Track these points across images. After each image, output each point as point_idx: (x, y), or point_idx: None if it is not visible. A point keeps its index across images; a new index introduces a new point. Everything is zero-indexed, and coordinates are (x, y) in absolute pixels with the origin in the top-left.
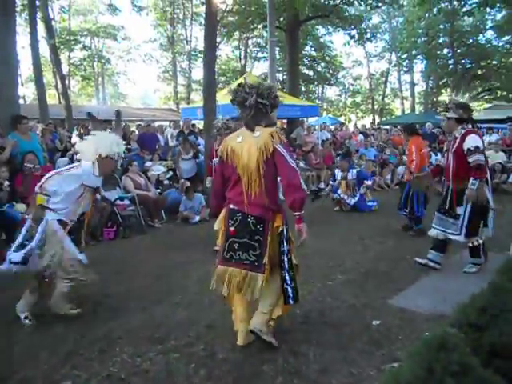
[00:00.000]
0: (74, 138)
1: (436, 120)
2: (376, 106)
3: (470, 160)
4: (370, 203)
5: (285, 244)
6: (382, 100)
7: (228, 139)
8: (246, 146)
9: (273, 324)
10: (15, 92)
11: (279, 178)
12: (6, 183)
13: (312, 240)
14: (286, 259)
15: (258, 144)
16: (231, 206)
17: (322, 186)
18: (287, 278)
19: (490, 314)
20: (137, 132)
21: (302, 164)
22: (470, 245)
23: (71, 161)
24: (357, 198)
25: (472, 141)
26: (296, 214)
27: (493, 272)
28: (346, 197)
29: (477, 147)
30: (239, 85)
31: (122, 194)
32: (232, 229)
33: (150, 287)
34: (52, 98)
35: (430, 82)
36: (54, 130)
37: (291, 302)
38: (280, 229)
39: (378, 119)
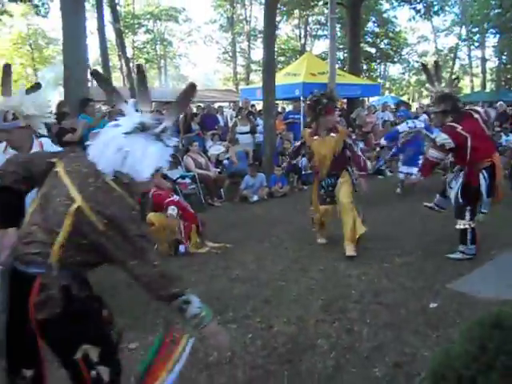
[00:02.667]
0: None
1: (509, 98)
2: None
3: None
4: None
5: None
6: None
7: None
8: None
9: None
10: (85, 75)
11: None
12: None
13: (370, 221)
14: None
15: None
16: None
17: (383, 167)
18: None
19: None
20: (198, 113)
21: (361, 145)
22: (457, 227)
23: None
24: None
25: None
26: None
27: None
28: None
29: None
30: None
31: (184, 173)
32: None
33: (208, 262)
34: (117, 80)
35: (504, 57)
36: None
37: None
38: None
39: None
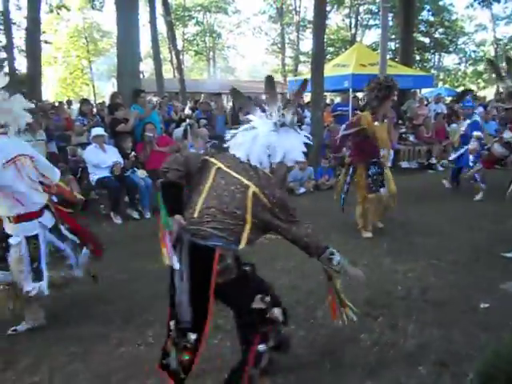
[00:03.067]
0: (187, 110)
1: None
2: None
3: None
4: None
5: None
6: None
7: None
8: None
9: None
10: (137, 67)
11: None
12: (133, 153)
13: (419, 217)
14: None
15: None
16: None
17: (434, 160)
18: None
19: None
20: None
21: (411, 138)
22: None
23: (185, 131)
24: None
25: None
26: None
27: None
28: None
29: None
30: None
31: None
32: None
33: (256, 252)
34: (167, 72)
35: None
36: (169, 102)
37: None
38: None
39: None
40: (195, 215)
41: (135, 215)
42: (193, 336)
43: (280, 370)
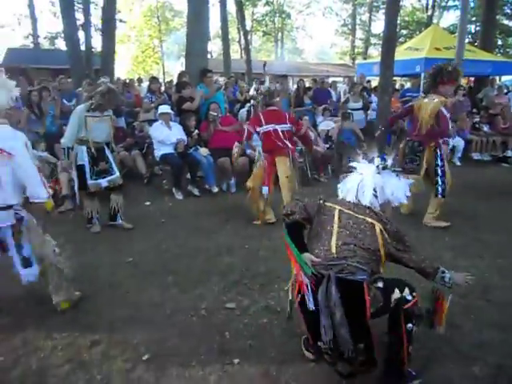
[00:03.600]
0: (252, 91)
1: None
2: None
3: None
4: None
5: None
6: None
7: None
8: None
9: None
10: (205, 47)
11: None
12: (196, 131)
13: (487, 213)
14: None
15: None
16: None
17: (509, 153)
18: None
19: None
20: (311, 87)
21: (485, 128)
22: None
23: (249, 112)
24: None
25: None
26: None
27: None
28: None
29: None
30: None
31: None
32: None
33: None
34: (235, 52)
35: None
36: (235, 82)
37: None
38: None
39: None
40: (333, 251)
41: (196, 192)
42: (361, 345)
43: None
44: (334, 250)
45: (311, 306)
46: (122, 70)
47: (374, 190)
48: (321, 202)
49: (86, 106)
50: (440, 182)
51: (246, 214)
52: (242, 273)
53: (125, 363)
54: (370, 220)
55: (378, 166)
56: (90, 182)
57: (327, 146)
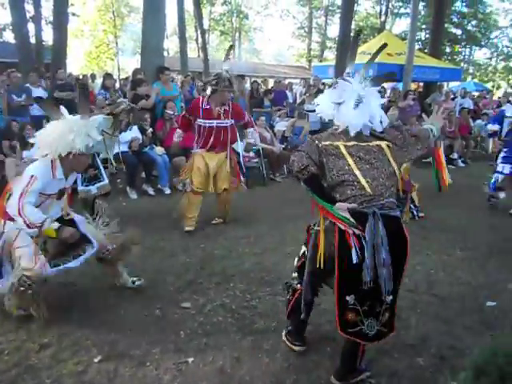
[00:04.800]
0: (209, 91)
1: None
2: None
3: None
4: None
5: None
6: None
7: None
8: None
9: None
10: (161, 44)
11: None
12: (150, 130)
13: (434, 212)
14: None
15: None
16: None
17: (455, 156)
18: None
19: None
20: (272, 90)
21: None
22: None
23: None
24: None
25: None
26: None
27: None
28: None
29: None
30: None
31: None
32: None
33: (264, 235)
34: (192, 51)
35: None
36: (192, 81)
37: None
38: None
39: None
40: (369, 191)
41: (151, 191)
42: (389, 298)
43: (280, 350)
44: (368, 189)
45: (355, 258)
46: (75, 65)
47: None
48: (316, 143)
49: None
50: None
51: (203, 214)
52: (198, 272)
53: (76, 366)
54: (374, 143)
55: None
56: (80, 188)
57: (283, 146)
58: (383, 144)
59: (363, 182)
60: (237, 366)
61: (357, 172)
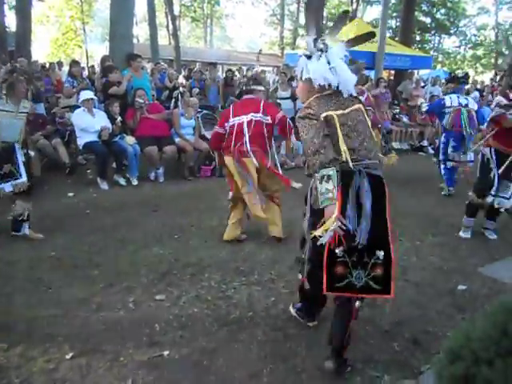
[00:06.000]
0: (181, 79)
1: None
2: (500, 61)
3: None
4: None
5: None
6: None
7: None
8: None
9: None
10: (130, 31)
11: None
12: (119, 118)
13: (406, 199)
14: None
15: None
16: None
17: (425, 143)
18: None
19: None
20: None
21: (404, 119)
22: None
23: (176, 100)
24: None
25: None
26: None
27: None
28: None
29: None
30: None
31: None
32: None
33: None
34: (163, 38)
35: None
36: (163, 69)
37: None
38: None
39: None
40: (356, 153)
41: (122, 182)
42: (380, 253)
43: (257, 340)
44: (356, 152)
45: (351, 227)
46: (41, 52)
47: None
48: (317, 121)
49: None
50: None
51: (175, 204)
52: (172, 263)
53: (47, 363)
54: (355, 106)
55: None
56: None
57: None
58: (361, 106)
59: (352, 145)
60: (213, 357)
61: (347, 140)
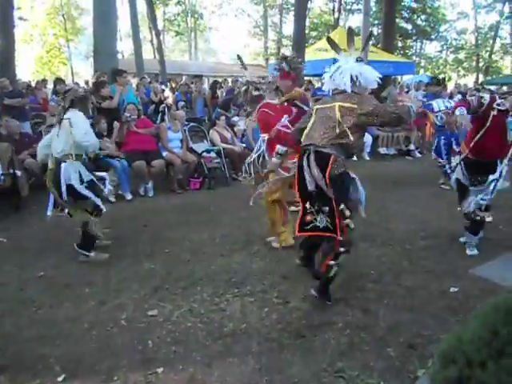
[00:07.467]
0: (167, 92)
1: None
2: (481, 64)
3: None
4: None
5: None
6: (489, 57)
7: None
8: None
9: None
10: (114, 46)
11: None
12: (105, 139)
13: (394, 203)
14: None
15: None
16: None
17: (412, 147)
18: None
19: None
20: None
21: None
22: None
23: (163, 113)
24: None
25: None
26: None
27: None
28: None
29: None
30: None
31: (209, 147)
32: None
33: (230, 236)
34: (147, 53)
35: None
36: (148, 83)
37: None
38: None
39: (482, 78)
40: (311, 138)
41: (111, 198)
42: (326, 208)
43: (251, 352)
44: (312, 138)
45: (311, 187)
46: (26, 71)
47: (355, 76)
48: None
49: None
50: None
51: (165, 219)
52: (163, 278)
53: None
54: (331, 104)
55: (357, 59)
56: None
57: (244, 145)
58: (337, 104)
59: (313, 132)
60: (208, 371)
61: (312, 128)
